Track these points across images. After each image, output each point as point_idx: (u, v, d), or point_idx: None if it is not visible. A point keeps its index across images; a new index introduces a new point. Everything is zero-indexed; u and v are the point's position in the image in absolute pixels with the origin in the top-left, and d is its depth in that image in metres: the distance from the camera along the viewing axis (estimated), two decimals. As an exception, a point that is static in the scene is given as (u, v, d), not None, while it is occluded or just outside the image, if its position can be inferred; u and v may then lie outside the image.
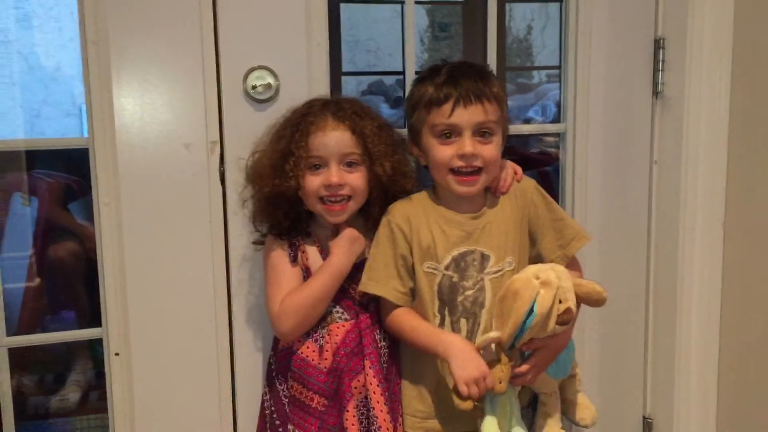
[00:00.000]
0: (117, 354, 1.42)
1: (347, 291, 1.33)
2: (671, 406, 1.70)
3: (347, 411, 1.29)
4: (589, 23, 1.62)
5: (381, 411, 1.28)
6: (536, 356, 1.26)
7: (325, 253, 1.33)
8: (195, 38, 1.37)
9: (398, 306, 1.31)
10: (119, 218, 1.38)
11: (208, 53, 1.38)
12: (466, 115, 1.24)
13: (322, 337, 1.31)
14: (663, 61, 1.65)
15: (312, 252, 1.34)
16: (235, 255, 1.44)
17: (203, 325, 1.44)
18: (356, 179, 1.29)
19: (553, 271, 1.23)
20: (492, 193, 1.34)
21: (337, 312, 1.32)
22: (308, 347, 1.31)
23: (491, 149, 1.27)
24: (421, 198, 1.35)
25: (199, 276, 1.42)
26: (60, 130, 3.91)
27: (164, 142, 1.39)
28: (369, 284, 1.30)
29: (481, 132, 1.26)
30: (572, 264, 1.36)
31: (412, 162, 1.39)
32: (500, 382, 1.21)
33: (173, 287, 1.42)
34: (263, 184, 1.30)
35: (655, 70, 1.66)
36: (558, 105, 1.75)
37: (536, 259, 1.35)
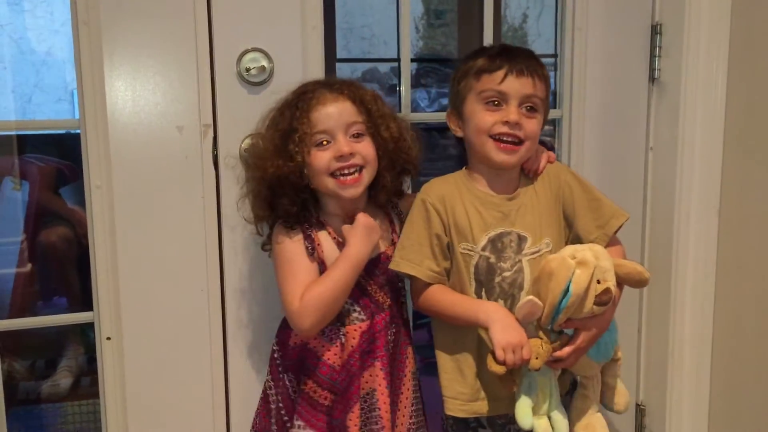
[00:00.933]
0: (109, 338, 1.41)
1: (365, 289, 1.30)
2: (664, 393, 1.71)
3: (352, 412, 1.27)
4: (585, 8, 1.61)
5: (386, 412, 1.28)
6: (577, 339, 1.23)
7: (340, 243, 1.28)
8: (188, 19, 1.36)
9: (430, 285, 1.29)
10: (111, 201, 1.37)
11: (201, 35, 1.37)
12: (517, 85, 1.25)
13: (339, 338, 1.29)
14: (660, 47, 1.64)
15: (327, 243, 1.28)
16: (227, 238, 1.42)
17: (195, 309, 1.43)
18: (365, 147, 1.26)
19: (590, 251, 1.21)
20: (525, 175, 1.34)
21: (355, 312, 1.29)
22: (329, 350, 1.28)
23: (534, 124, 1.27)
24: (455, 178, 1.34)
25: (192, 260, 1.41)
26: (51, 115, 3.88)
27: (156, 124, 1.37)
28: (402, 263, 1.28)
29: (528, 106, 1.27)
30: (614, 243, 1.34)
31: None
32: (536, 358, 1.19)
33: (165, 271, 1.41)
34: (267, 166, 1.23)
35: (652, 56, 1.65)
36: (553, 93, 1.74)
37: (575, 241, 1.32)
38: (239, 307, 1.45)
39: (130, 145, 1.36)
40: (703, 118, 1.60)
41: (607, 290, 1.20)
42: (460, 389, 1.31)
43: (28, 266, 2.25)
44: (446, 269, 1.30)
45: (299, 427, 1.30)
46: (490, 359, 1.19)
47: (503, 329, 1.19)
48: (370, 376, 1.29)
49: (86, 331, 2.17)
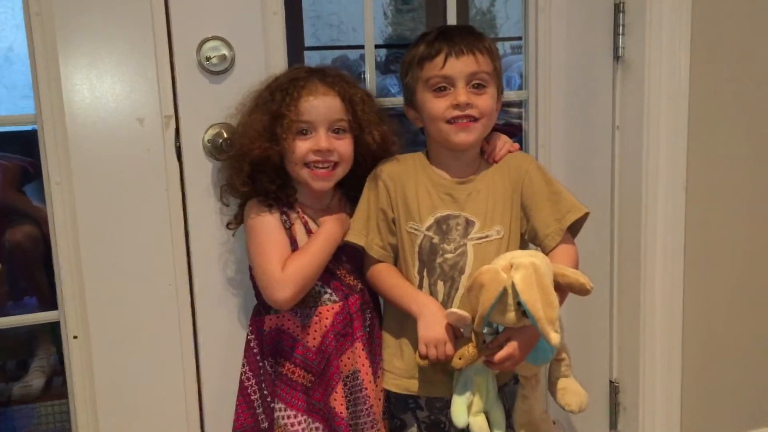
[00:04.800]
0: (75, 337, 1.39)
1: (334, 273, 1.32)
2: (637, 370, 1.72)
3: (335, 392, 1.29)
4: (549, -13, 1.60)
5: (372, 391, 1.32)
6: (509, 347, 1.20)
7: (308, 227, 1.32)
8: (145, 8, 1.33)
9: (378, 261, 1.32)
10: (72, 198, 1.34)
11: (159, 23, 1.34)
12: (459, 65, 1.25)
13: (311, 317, 1.30)
14: (623, 26, 1.64)
15: (298, 224, 1.32)
16: (194, 231, 1.41)
17: (164, 303, 1.41)
18: (344, 146, 1.28)
19: (530, 257, 1.16)
20: (485, 160, 1.34)
21: (326, 293, 1.32)
22: (299, 327, 1.30)
23: (486, 100, 1.27)
24: (413, 158, 1.35)
25: (158, 254, 1.39)
26: (17, 112, 3.81)
27: (116, 117, 1.35)
28: (350, 234, 1.31)
29: (475, 84, 1.26)
30: (566, 242, 1.30)
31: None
32: (459, 358, 1.20)
33: (131, 266, 1.38)
34: (253, 146, 1.25)
35: (615, 35, 1.65)
36: (520, 75, 1.74)
37: (531, 233, 1.31)
38: (209, 300, 1.43)
39: (89, 139, 1.34)
40: (668, 95, 1.61)
41: None
42: (397, 364, 1.34)
43: (-3, 267, 2.22)
44: (392, 245, 1.33)
45: (280, 409, 1.31)
46: (417, 351, 1.23)
47: (427, 325, 1.22)
48: (352, 355, 1.32)
49: (58, 330, 2.13)
